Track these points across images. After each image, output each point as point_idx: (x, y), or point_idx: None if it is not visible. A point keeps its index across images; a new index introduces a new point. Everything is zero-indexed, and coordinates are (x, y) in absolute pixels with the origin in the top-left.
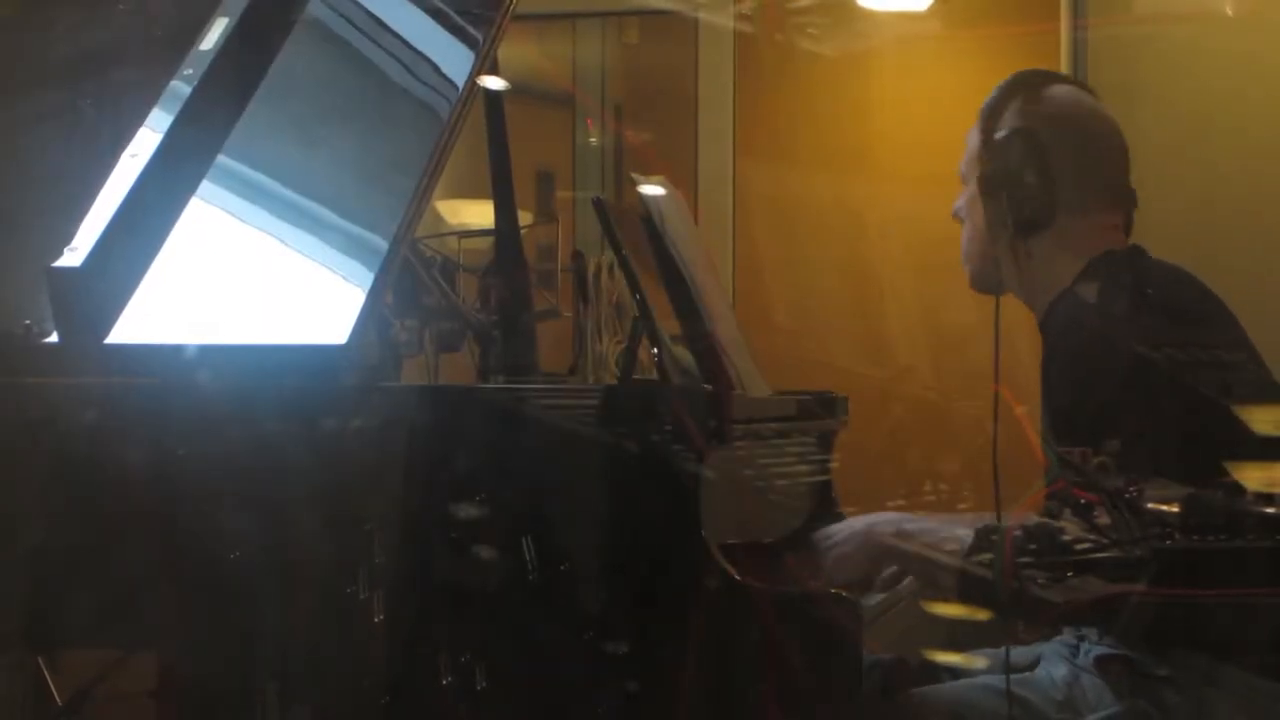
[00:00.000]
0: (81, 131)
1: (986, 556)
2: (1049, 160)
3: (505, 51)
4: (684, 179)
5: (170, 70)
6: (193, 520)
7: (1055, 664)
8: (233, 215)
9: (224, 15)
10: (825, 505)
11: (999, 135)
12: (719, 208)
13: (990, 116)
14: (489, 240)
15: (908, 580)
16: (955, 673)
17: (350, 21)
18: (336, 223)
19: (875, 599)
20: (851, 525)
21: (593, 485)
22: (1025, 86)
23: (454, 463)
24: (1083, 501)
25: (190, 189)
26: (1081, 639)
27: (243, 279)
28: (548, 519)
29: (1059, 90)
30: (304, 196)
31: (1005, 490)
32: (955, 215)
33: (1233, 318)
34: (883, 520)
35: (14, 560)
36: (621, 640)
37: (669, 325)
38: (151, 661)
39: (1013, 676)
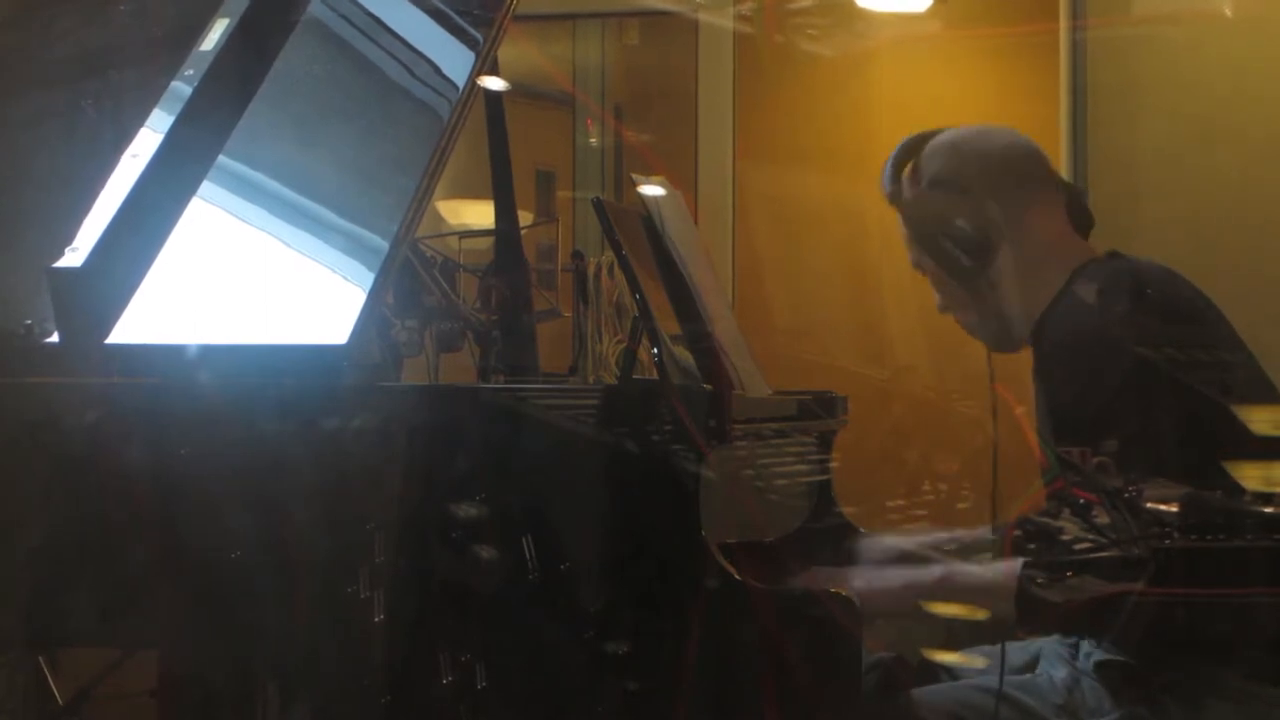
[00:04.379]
0: (81, 131)
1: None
2: (972, 193)
3: (505, 51)
4: (684, 179)
5: (170, 70)
6: (193, 520)
7: (1055, 666)
8: (233, 215)
9: (224, 16)
10: (825, 505)
11: (914, 202)
12: (719, 208)
13: (897, 190)
14: (489, 240)
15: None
16: (955, 673)
17: (350, 22)
18: (336, 223)
19: None
20: (890, 571)
21: (593, 485)
22: (908, 153)
23: (454, 462)
24: (1082, 501)
25: (191, 189)
26: (1080, 640)
27: (243, 279)
28: (548, 519)
29: (939, 140)
30: (304, 196)
31: (1005, 490)
32: (944, 311)
33: (1223, 316)
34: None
35: (14, 560)
36: (622, 640)
37: (669, 325)
38: (151, 661)
39: (1013, 679)
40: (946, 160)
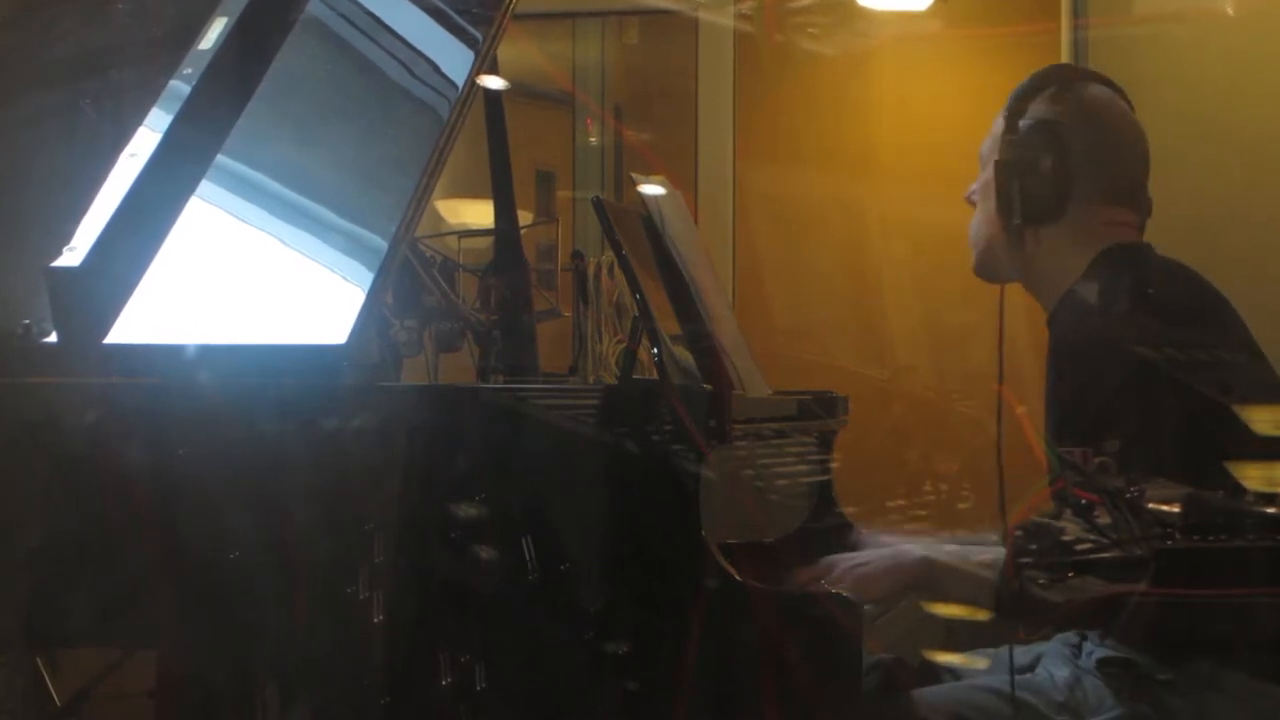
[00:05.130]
0: (81, 131)
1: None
2: (1067, 154)
3: (505, 51)
4: (684, 179)
5: (170, 70)
6: (193, 520)
7: (1057, 665)
8: (233, 215)
9: (223, 15)
10: (825, 505)
11: (1022, 123)
12: (719, 208)
13: (1017, 104)
14: (489, 240)
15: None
16: (955, 673)
17: (350, 21)
18: (336, 223)
19: None
20: (877, 550)
21: (593, 485)
22: (1057, 79)
23: (454, 463)
24: (1083, 502)
25: (190, 189)
26: (1084, 639)
27: (243, 279)
28: (548, 519)
29: (1090, 88)
30: (304, 196)
31: (1005, 490)
32: (969, 199)
33: (1237, 317)
34: (908, 547)
35: (14, 560)
36: (621, 640)
37: (669, 325)
38: (151, 661)
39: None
40: (1082, 120)
